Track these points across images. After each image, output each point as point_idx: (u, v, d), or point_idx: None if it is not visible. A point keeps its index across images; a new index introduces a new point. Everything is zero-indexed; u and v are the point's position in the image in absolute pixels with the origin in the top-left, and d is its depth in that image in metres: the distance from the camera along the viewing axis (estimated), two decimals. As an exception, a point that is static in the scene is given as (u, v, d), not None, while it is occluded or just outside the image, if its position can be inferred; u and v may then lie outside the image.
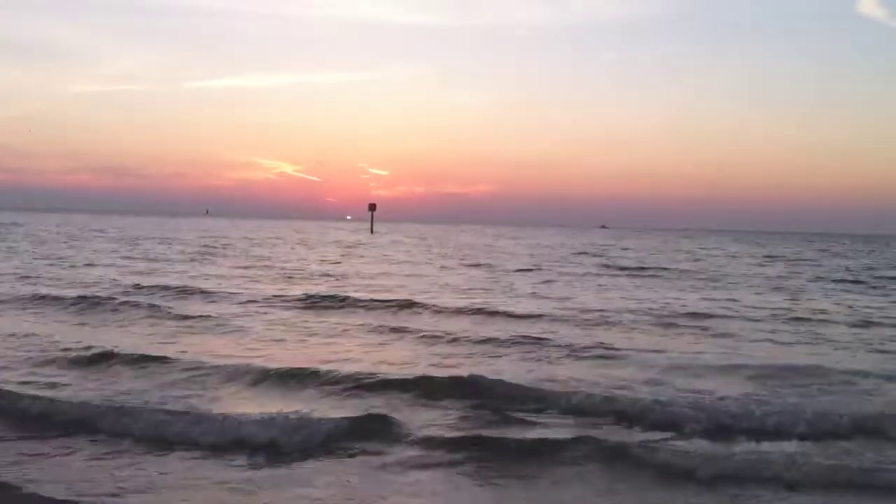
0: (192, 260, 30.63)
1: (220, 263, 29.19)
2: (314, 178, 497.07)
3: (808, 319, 16.48)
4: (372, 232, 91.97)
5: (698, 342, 13.02)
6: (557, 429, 7.41)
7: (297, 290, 18.99)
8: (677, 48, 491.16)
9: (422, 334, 12.83)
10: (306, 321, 14.13)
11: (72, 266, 25.41)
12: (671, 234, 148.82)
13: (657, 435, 7.26)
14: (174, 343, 11.52)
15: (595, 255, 47.24)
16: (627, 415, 7.84)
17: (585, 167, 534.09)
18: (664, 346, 12.33)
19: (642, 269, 33.76)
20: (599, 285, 24.49)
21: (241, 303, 16.58)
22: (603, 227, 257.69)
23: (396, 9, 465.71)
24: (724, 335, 13.76)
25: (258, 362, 9.84)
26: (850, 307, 19.37)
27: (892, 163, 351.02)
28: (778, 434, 7.34)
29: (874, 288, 26.59)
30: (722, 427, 7.50)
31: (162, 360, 9.88)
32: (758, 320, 16.13)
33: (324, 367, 9.52)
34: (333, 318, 14.52)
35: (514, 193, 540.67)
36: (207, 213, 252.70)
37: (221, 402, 7.93)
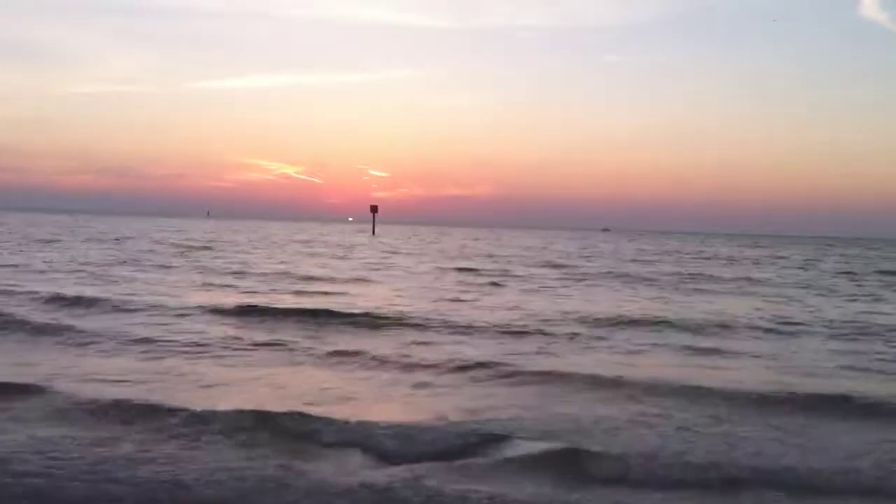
0: (157, 263, 29.61)
1: (180, 268, 28.20)
2: (315, 180, 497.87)
3: (774, 327, 15.68)
4: (374, 234, 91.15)
5: (638, 354, 12.07)
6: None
7: (235, 299, 18.02)
8: (678, 50, 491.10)
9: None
10: (220, 335, 13.10)
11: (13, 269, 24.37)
12: (672, 236, 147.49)
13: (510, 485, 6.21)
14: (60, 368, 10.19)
15: (583, 257, 46.33)
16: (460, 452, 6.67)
17: (586, 169, 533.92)
18: (577, 361, 11.18)
19: (609, 272, 33.07)
20: (555, 290, 23.56)
21: (161, 313, 15.54)
22: (605, 230, 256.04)
23: (397, 11, 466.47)
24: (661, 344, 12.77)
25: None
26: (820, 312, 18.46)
27: (893, 166, 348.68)
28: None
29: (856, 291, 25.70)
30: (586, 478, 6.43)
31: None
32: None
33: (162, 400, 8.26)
34: (253, 332, 13.47)
35: (516, 196, 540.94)
36: (209, 214, 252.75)
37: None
